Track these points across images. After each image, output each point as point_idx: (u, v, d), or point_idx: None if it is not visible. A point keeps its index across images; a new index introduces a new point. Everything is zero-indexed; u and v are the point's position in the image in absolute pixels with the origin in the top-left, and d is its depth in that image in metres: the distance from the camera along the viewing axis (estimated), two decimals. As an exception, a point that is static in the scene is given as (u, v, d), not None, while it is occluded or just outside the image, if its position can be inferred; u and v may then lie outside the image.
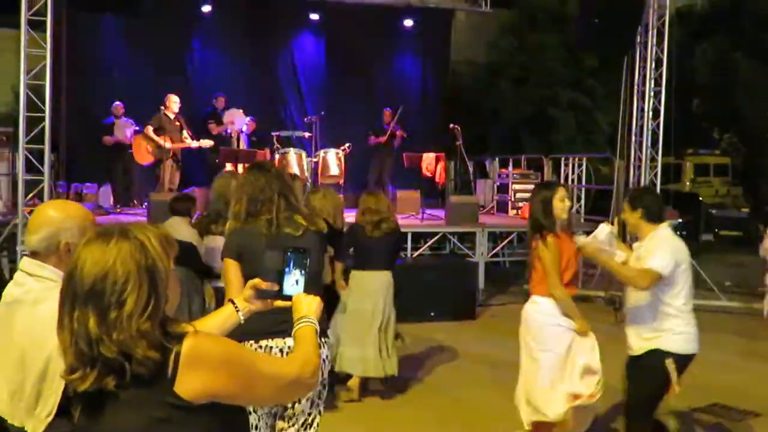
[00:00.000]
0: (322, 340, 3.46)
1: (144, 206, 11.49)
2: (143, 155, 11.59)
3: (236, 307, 2.31)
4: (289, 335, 3.26)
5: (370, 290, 6.30)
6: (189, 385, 1.73)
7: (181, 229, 6.19)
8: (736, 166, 25.17)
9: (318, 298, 2.30)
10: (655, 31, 10.77)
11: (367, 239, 6.35)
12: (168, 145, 11.47)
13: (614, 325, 9.38)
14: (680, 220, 12.33)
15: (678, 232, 11.79)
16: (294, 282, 2.28)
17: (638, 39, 10.93)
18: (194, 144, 11.89)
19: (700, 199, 18.29)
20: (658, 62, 10.83)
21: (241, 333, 3.20)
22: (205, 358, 1.76)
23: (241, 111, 12.39)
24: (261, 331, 3.29)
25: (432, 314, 9.14)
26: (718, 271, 12.46)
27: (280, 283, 2.27)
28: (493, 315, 9.99)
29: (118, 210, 11.76)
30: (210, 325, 2.27)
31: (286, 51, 15.05)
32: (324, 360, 3.45)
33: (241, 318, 2.31)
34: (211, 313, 2.37)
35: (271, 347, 3.38)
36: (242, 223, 3.55)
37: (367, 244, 6.36)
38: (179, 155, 11.95)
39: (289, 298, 2.27)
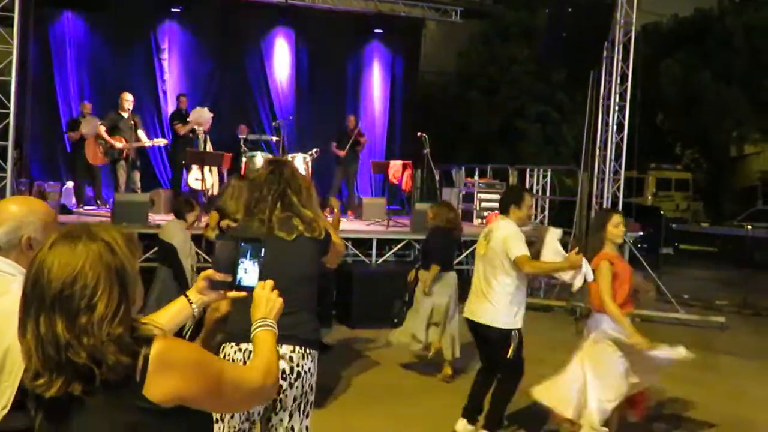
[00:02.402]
0: (307, 350, 3.24)
1: (108, 206, 11.37)
2: (96, 156, 11.44)
3: (189, 300, 2.25)
4: (283, 343, 3.09)
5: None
6: (158, 388, 1.69)
7: (174, 230, 6.45)
8: (698, 181, 25.66)
9: (280, 300, 2.25)
10: (621, 46, 10.94)
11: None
12: (120, 145, 11.34)
13: (575, 335, 9.53)
14: (641, 233, 12.50)
15: (639, 245, 11.95)
16: (247, 272, 2.24)
17: (605, 54, 11.09)
18: (147, 143, 11.77)
19: (662, 212, 18.55)
20: (624, 77, 11.00)
21: (228, 335, 3.15)
22: (175, 362, 1.74)
23: (206, 109, 12.29)
24: (242, 335, 3.00)
25: (395, 321, 9.14)
26: (677, 284, 12.66)
27: (234, 273, 2.23)
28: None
29: (82, 209, 11.63)
30: (162, 318, 2.22)
31: (256, 54, 15.02)
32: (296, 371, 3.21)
33: (195, 311, 2.24)
34: (165, 306, 2.29)
35: (251, 351, 3.21)
36: (241, 221, 3.42)
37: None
38: (135, 155, 11.80)
39: (243, 288, 2.24)
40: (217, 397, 1.84)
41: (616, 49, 10.94)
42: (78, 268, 1.67)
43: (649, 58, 19.08)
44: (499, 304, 5.14)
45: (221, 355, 3.17)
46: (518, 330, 5.19)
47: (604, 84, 11.06)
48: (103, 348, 1.65)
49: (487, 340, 5.31)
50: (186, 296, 2.25)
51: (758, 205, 23.27)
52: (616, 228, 5.04)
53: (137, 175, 11.76)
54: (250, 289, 2.25)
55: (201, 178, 11.50)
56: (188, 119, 12.22)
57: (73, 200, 12.09)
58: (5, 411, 2.28)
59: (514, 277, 5.12)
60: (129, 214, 9.55)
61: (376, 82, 15.99)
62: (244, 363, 3.04)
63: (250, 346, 3.09)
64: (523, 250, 5.05)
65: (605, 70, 11.08)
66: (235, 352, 3.18)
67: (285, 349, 3.16)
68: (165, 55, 14.19)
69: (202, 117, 12.15)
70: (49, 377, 1.66)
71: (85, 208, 11.77)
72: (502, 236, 5.17)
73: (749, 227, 17.85)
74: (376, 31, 15.42)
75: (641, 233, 12.48)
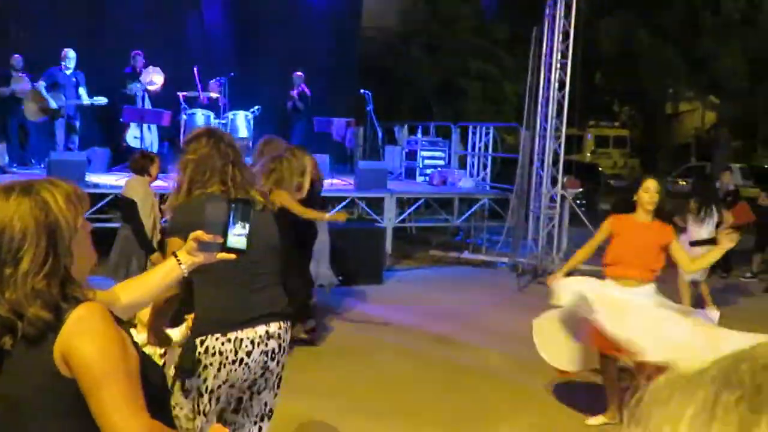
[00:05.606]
0: (288, 324, 3.13)
1: (42, 166, 11.06)
2: (34, 112, 11.12)
3: (179, 261, 2.17)
4: (271, 321, 3.01)
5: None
6: (58, 352, 1.65)
7: (135, 186, 6.35)
8: (634, 138, 26.21)
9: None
10: (563, 3, 10.98)
11: None
12: (59, 102, 11.03)
13: (517, 291, 9.69)
14: (581, 189, 12.72)
15: (578, 201, 12.16)
16: (238, 234, 2.20)
17: (546, 11, 11.13)
18: (87, 101, 11.48)
19: (600, 169, 18.92)
20: (566, 35, 11.06)
21: (211, 324, 2.95)
22: (82, 333, 1.66)
23: (158, 69, 12.03)
24: (232, 322, 2.92)
25: (340, 278, 9.19)
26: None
27: (224, 235, 2.18)
28: (400, 280, 10.13)
29: (15, 170, 11.27)
30: (152, 279, 2.18)
31: (195, 9, 14.64)
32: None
33: (185, 271, 2.16)
34: (154, 268, 2.25)
35: (242, 339, 2.96)
36: (187, 196, 3.11)
37: None
38: (74, 114, 11.50)
39: (233, 251, 2.19)
40: (92, 395, 1.65)
41: (558, 6, 10.98)
42: (6, 221, 1.66)
43: (590, 16, 19.27)
44: None
45: (203, 349, 2.95)
46: None
47: (546, 41, 11.10)
48: (24, 301, 1.64)
49: None
50: (175, 256, 2.17)
51: (691, 161, 23.91)
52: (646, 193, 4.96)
53: (76, 134, 11.49)
54: (239, 252, 2.21)
55: (139, 137, 11.27)
56: (140, 78, 11.93)
57: (6, 159, 11.70)
58: None
59: None
60: (65, 173, 9.30)
61: (318, 38, 15.76)
62: (235, 353, 2.93)
63: (240, 334, 2.94)
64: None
65: (547, 27, 11.12)
66: (222, 344, 2.93)
67: (273, 327, 3.02)
68: (101, 9, 13.71)
69: (154, 77, 11.88)
70: None
71: (19, 167, 11.41)
72: None
73: (683, 183, 18.32)
74: (318, -15, 15.18)
75: (581, 189, 12.69)
